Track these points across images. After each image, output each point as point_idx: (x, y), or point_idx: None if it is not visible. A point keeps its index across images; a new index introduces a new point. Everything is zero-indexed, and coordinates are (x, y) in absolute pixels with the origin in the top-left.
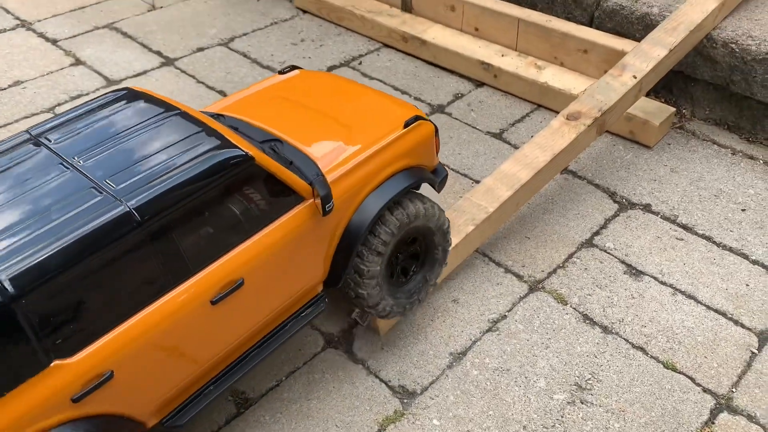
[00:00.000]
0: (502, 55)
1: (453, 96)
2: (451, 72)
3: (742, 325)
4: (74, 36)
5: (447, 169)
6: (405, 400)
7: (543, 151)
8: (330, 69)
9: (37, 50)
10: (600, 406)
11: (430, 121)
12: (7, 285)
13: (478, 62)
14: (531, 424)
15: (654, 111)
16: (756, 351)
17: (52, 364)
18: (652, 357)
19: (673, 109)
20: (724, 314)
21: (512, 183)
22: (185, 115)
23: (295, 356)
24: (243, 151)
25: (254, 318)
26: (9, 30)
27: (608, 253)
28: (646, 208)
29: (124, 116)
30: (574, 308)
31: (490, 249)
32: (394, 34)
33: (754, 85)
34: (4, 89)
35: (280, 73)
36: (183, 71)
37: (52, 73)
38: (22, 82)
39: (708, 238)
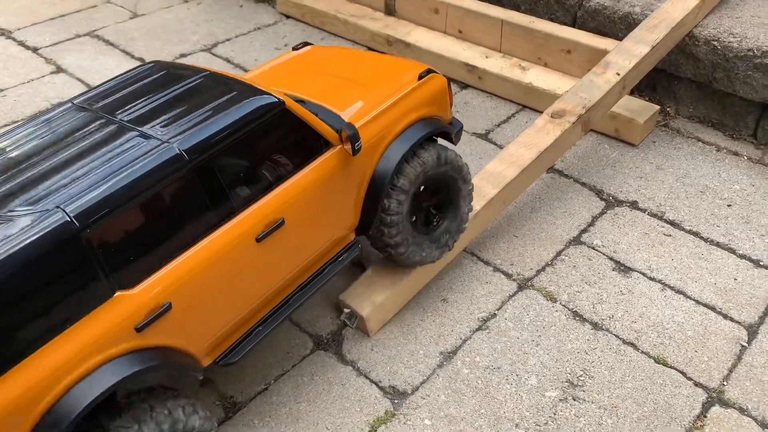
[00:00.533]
0: (486, 57)
1: None
2: None
3: (732, 319)
4: (55, 44)
5: None
6: (396, 401)
7: (528, 150)
8: None
9: (18, 58)
10: (592, 403)
11: (442, 75)
12: (74, 219)
13: (462, 64)
14: (523, 422)
15: (638, 109)
16: (746, 344)
17: (115, 295)
18: (643, 352)
19: (658, 107)
20: (713, 308)
21: (498, 181)
22: (216, 74)
23: (284, 359)
24: (275, 96)
25: (296, 258)
26: None
27: (596, 250)
28: (633, 205)
29: (158, 80)
30: (564, 305)
31: (479, 248)
32: (378, 37)
33: (737, 81)
34: None
35: (294, 49)
36: None
37: (32, 80)
38: (3, 90)
39: (695, 234)
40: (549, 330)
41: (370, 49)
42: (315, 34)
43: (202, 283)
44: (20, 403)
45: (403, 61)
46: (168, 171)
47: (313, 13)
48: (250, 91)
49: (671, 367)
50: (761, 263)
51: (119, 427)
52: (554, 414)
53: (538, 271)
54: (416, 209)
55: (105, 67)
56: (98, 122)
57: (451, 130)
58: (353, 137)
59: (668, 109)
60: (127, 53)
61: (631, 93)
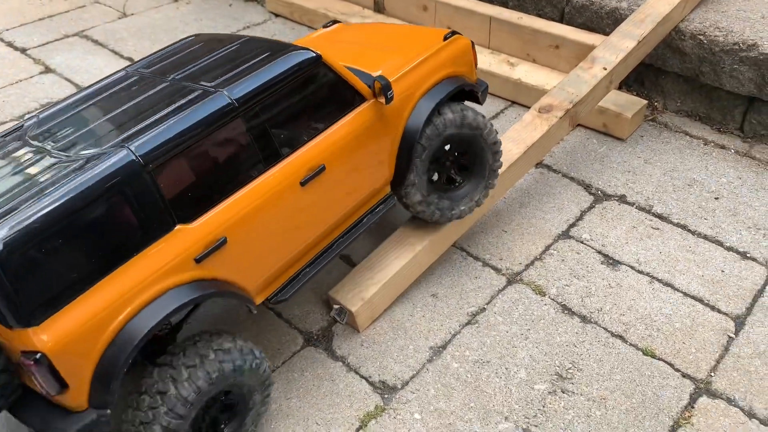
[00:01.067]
0: None
1: None
2: None
3: (719, 311)
4: (43, 44)
5: None
6: (386, 396)
7: (516, 144)
8: None
9: (6, 59)
10: (581, 395)
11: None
12: (138, 156)
13: None
14: (513, 415)
15: (626, 104)
16: (733, 335)
17: (176, 228)
18: (631, 345)
19: (645, 102)
20: (701, 300)
21: None
22: (255, 37)
23: (275, 355)
24: (313, 51)
25: (337, 203)
26: None
27: (585, 244)
28: (621, 199)
29: (202, 46)
30: (553, 299)
31: (468, 243)
32: None
33: (723, 75)
34: None
35: (324, 27)
36: None
37: (21, 81)
38: None
39: (683, 227)
40: (538, 323)
41: None
42: (304, 32)
43: (254, 222)
44: (96, 322)
45: (428, 29)
46: (220, 116)
47: (302, 11)
48: (289, 47)
49: (659, 358)
50: (748, 255)
51: (182, 364)
52: (543, 406)
53: (527, 266)
54: (441, 168)
55: (94, 66)
56: (154, 82)
57: (476, 88)
58: (386, 87)
59: (656, 103)
60: (116, 53)
61: (619, 88)
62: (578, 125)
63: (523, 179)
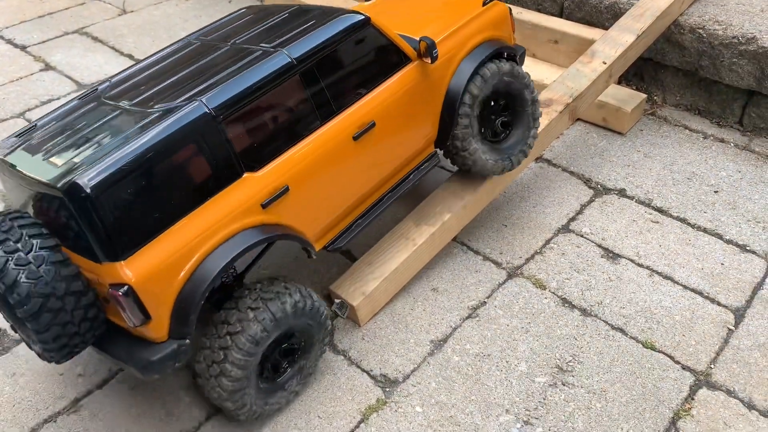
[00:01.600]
0: None
1: None
2: None
3: (719, 303)
4: (43, 41)
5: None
6: (387, 389)
7: None
8: None
9: (6, 56)
10: (581, 387)
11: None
12: (211, 108)
13: None
14: (513, 408)
15: (626, 98)
16: (732, 327)
17: (244, 175)
18: (631, 337)
19: (645, 96)
20: (700, 293)
21: None
22: (305, 5)
23: None
24: (362, 14)
25: (386, 158)
26: None
27: (585, 237)
28: (621, 192)
29: (257, 15)
30: (553, 292)
31: (468, 238)
32: None
33: (722, 69)
34: None
35: (365, 1)
36: None
37: (21, 78)
38: None
39: (683, 220)
40: (538, 317)
41: None
42: None
43: (312, 172)
44: (176, 259)
45: None
46: (281, 73)
47: None
48: (340, 11)
49: (659, 351)
50: (747, 248)
51: (248, 306)
52: (544, 399)
53: (528, 259)
54: (486, 122)
55: (94, 63)
56: (216, 46)
57: (515, 51)
58: (431, 45)
59: (655, 97)
60: (116, 50)
61: (619, 82)
62: (578, 119)
63: (523, 173)
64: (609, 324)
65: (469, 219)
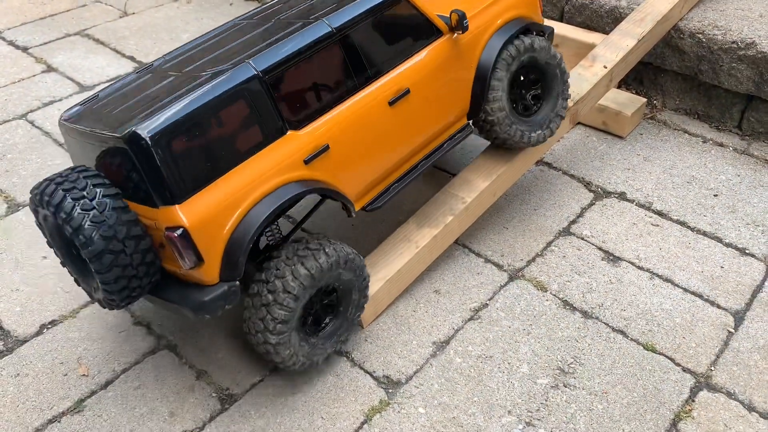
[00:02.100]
0: None
1: None
2: None
3: (719, 306)
4: (45, 43)
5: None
6: (390, 390)
7: None
8: None
9: (8, 58)
10: (583, 389)
11: None
12: (258, 70)
13: None
14: (516, 409)
15: (626, 102)
16: (732, 330)
17: (288, 133)
18: (632, 339)
19: (645, 100)
20: (700, 296)
21: (488, 173)
22: None
23: None
24: None
25: (421, 125)
26: None
27: (585, 240)
28: (621, 196)
29: None
30: (554, 295)
31: (470, 240)
32: None
33: (721, 74)
34: None
35: None
36: None
37: (23, 80)
38: None
39: (682, 224)
40: (540, 319)
41: None
42: None
43: (350, 133)
44: (227, 206)
45: None
46: (321, 40)
47: None
48: None
49: (660, 353)
50: (747, 251)
51: (285, 264)
52: (546, 400)
53: (529, 262)
54: (518, 96)
55: (96, 65)
56: (260, 23)
57: (543, 28)
58: (462, 16)
59: (655, 101)
60: (118, 52)
61: (619, 86)
62: (578, 123)
63: (524, 177)
64: (610, 326)
65: (470, 221)
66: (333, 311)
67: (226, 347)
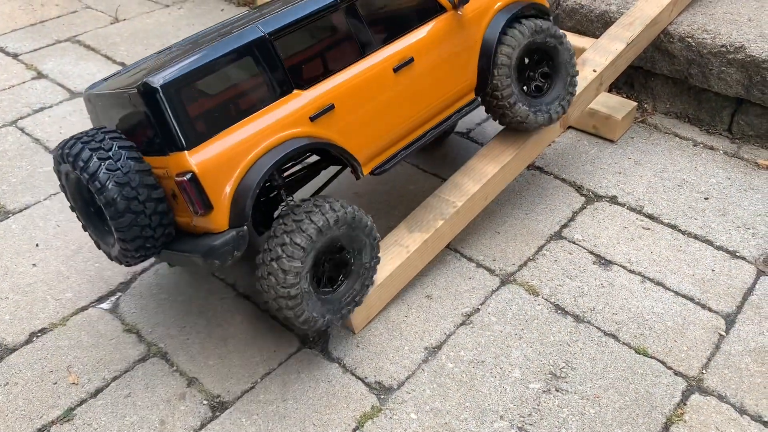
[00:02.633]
0: None
1: None
2: None
3: (710, 309)
4: (36, 50)
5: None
6: (382, 396)
7: (508, 146)
8: None
9: None
10: (575, 393)
11: None
12: (266, 31)
13: None
14: (508, 414)
15: (616, 106)
16: (724, 333)
17: (294, 91)
18: (624, 343)
19: (635, 104)
20: (691, 299)
21: (479, 177)
22: None
23: (271, 358)
24: None
25: (426, 94)
26: None
27: (577, 244)
28: (613, 200)
29: None
30: (546, 299)
31: (462, 245)
32: None
33: (711, 77)
34: None
35: None
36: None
37: (13, 86)
38: None
39: (673, 227)
40: (531, 323)
41: None
42: None
43: (355, 95)
44: (234, 154)
45: None
46: (326, 7)
47: None
48: None
49: (651, 357)
50: (738, 254)
51: (293, 219)
52: (538, 405)
53: (521, 266)
54: (526, 79)
55: (86, 71)
56: (274, 7)
57: (547, 10)
58: None
59: (646, 105)
60: (109, 58)
61: (609, 90)
62: (569, 127)
63: (516, 181)
64: (602, 330)
65: (462, 226)
66: (345, 270)
67: (217, 354)
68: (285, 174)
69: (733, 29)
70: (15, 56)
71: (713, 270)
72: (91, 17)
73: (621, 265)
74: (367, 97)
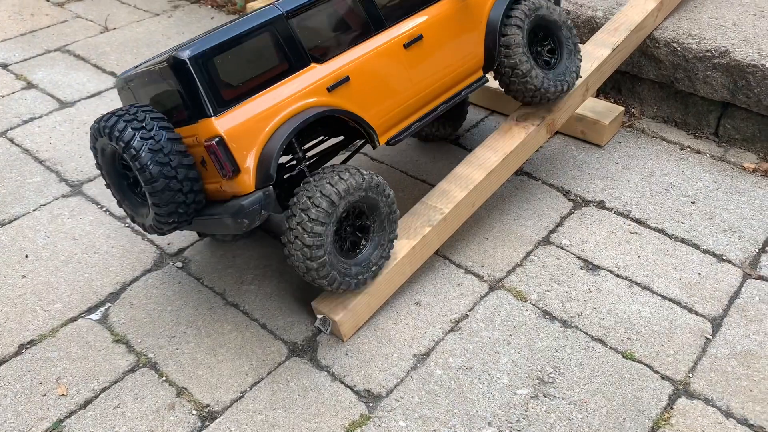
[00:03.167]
0: None
1: None
2: None
3: (696, 313)
4: (25, 60)
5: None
6: (371, 404)
7: (494, 153)
8: None
9: None
10: (563, 399)
11: None
12: (284, 10)
13: None
14: (496, 420)
15: (604, 111)
16: (710, 337)
17: (311, 65)
18: (611, 348)
19: (622, 109)
20: (678, 303)
21: (466, 184)
22: None
23: (259, 366)
24: None
25: (435, 69)
26: None
27: (565, 249)
28: (600, 204)
29: None
30: (534, 304)
31: (450, 251)
32: None
33: (697, 82)
34: None
35: None
36: None
37: (3, 97)
38: None
39: (661, 231)
40: (519, 329)
41: None
42: None
43: (369, 69)
44: (258, 120)
45: None
46: None
47: None
48: None
49: (638, 361)
50: (724, 257)
51: (314, 186)
52: (526, 411)
53: (509, 272)
54: (536, 54)
55: (76, 81)
56: None
57: None
58: None
59: (633, 110)
60: (99, 67)
61: (597, 95)
62: (557, 133)
63: (504, 187)
64: (589, 335)
65: (449, 233)
66: (366, 235)
67: (206, 364)
68: (307, 154)
69: (717, 34)
70: (5, 66)
71: (700, 274)
72: (81, 27)
73: (608, 270)
74: (379, 70)
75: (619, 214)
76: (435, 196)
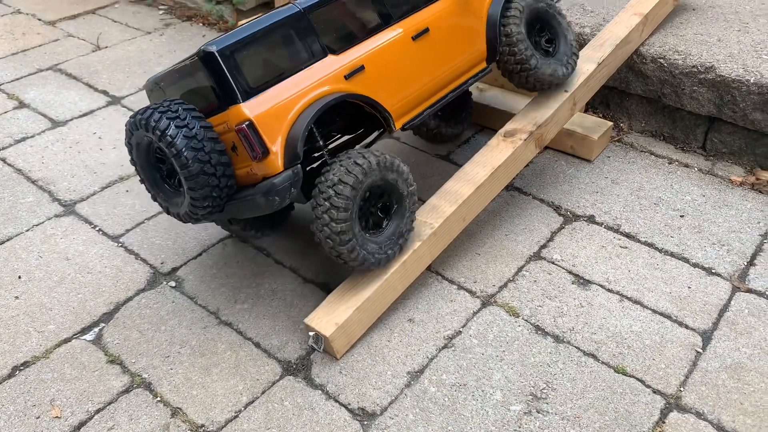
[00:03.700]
0: None
1: None
2: None
3: (687, 326)
4: (17, 79)
5: None
6: (365, 422)
7: (483, 168)
8: None
9: None
10: (556, 414)
11: None
12: (302, 7)
13: None
14: None
15: (592, 126)
16: (701, 350)
17: (328, 55)
18: (603, 363)
19: (611, 123)
20: (669, 317)
21: (455, 199)
22: None
23: (254, 385)
24: None
25: (443, 60)
26: None
27: (556, 264)
28: (590, 219)
29: None
30: (526, 320)
31: (443, 267)
32: None
33: (684, 97)
34: None
35: None
36: (130, 109)
37: None
38: None
39: (650, 245)
40: (512, 345)
41: None
42: None
43: (382, 59)
44: (284, 105)
45: None
46: None
47: None
48: None
49: (630, 375)
50: (713, 271)
51: (339, 165)
52: (519, 427)
53: (501, 288)
54: (535, 44)
55: (68, 100)
56: None
57: None
58: None
59: (621, 124)
60: (91, 86)
61: (586, 110)
62: (547, 148)
63: (495, 202)
64: (581, 350)
65: (441, 247)
66: (388, 213)
67: (201, 384)
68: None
69: (703, 50)
70: None
71: (689, 287)
72: (73, 45)
73: (599, 285)
74: (390, 60)
75: (609, 228)
76: (425, 212)
